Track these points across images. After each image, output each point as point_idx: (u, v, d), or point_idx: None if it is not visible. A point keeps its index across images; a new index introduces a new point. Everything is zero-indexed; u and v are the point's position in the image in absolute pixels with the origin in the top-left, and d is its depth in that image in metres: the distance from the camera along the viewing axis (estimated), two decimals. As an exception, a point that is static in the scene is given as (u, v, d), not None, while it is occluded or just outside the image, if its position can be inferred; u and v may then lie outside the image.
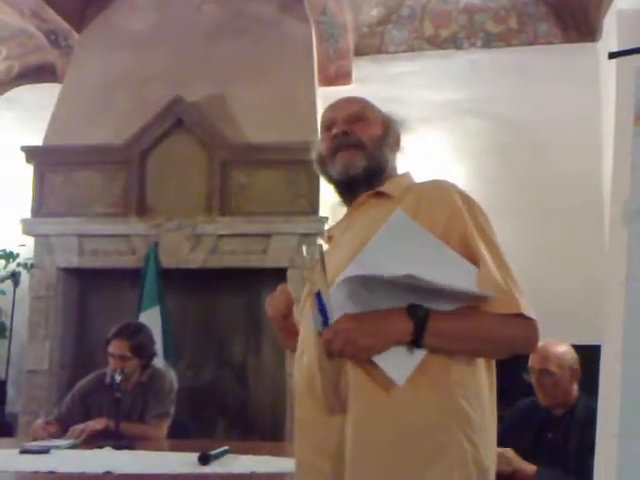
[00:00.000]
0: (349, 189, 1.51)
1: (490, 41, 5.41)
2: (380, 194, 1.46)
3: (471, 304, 1.27)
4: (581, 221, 4.66)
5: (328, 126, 1.55)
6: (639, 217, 1.59)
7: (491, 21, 5.42)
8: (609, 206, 1.68)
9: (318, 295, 1.24)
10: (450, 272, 1.24)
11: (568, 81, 5.00)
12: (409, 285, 1.21)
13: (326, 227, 4.65)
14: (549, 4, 5.30)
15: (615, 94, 1.75)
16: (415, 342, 1.23)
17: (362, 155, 1.47)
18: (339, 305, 1.24)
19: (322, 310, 1.24)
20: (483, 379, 1.33)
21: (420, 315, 1.23)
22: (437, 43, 5.45)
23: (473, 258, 1.30)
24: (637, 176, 1.63)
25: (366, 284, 1.23)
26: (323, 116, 1.59)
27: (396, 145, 1.55)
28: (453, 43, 5.42)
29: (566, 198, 4.74)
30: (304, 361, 1.39)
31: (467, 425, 1.26)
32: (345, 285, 1.24)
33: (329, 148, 1.52)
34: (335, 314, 1.23)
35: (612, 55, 1.79)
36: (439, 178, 1.45)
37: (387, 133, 1.53)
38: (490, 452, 1.31)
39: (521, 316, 1.28)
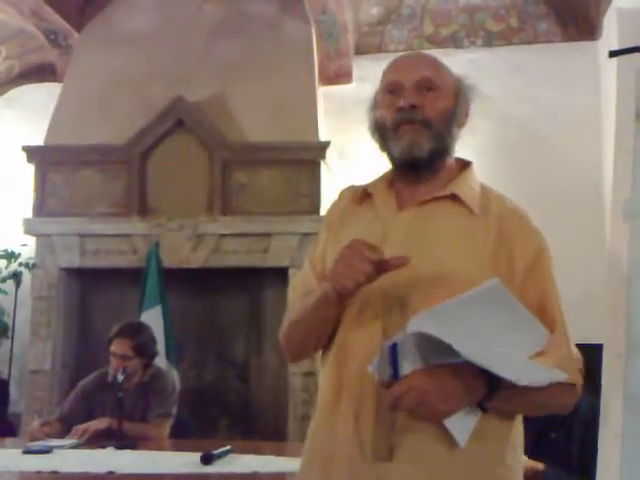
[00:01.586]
0: (409, 169, 1.33)
1: (490, 40, 5.41)
2: (455, 197, 1.30)
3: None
4: (582, 219, 4.66)
5: (392, 90, 1.32)
6: (640, 215, 1.60)
7: (491, 20, 5.42)
8: (610, 204, 1.68)
9: (394, 346, 1.14)
10: (518, 339, 1.18)
11: (568, 80, 5.00)
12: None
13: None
14: (549, 3, 5.29)
15: (615, 92, 1.75)
16: (482, 404, 1.16)
17: (429, 135, 1.29)
18: (411, 352, 1.14)
19: (394, 361, 1.13)
20: (520, 429, 1.31)
21: (496, 377, 1.13)
22: (437, 42, 5.45)
23: (549, 319, 1.23)
24: (638, 174, 1.63)
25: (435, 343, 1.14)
26: (386, 75, 1.36)
27: (465, 117, 1.36)
28: (453, 42, 5.42)
29: (567, 196, 4.74)
30: (351, 376, 1.25)
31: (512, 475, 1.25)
32: (419, 334, 1.13)
33: (393, 120, 1.30)
34: (403, 361, 1.14)
35: (612, 54, 1.79)
36: (511, 200, 1.34)
37: (457, 106, 1.34)
38: None
39: (575, 385, 1.24)
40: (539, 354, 1.20)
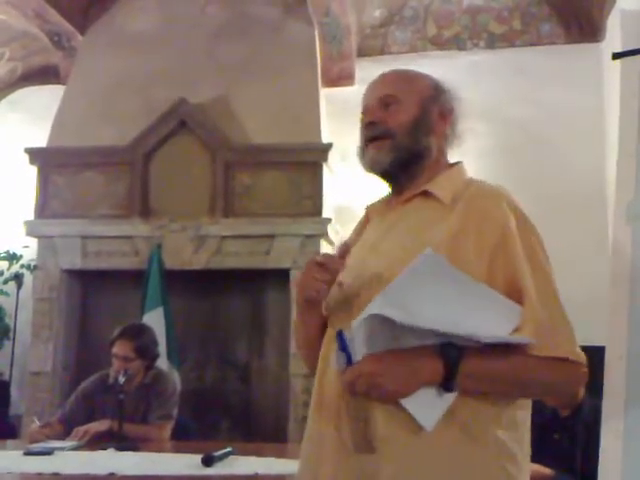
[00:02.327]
0: (387, 180, 1.42)
1: (493, 41, 5.41)
2: (427, 193, 1.35)
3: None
4: (585, 221, 4.65)
5: (363, 113, 1.43)
6: (643, 218, 1.59)
7: (494, 21, 5.42)
8: (613, 206, 1.67)
9: (340, 334, 1.17)
10: (487, 315, 1.15)
11: (571, 82, 5.00)
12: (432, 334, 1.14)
13: (330, 228, 4.65)
14: (552, 4, 5.29)
15: (619, 95, 1.75)
16: (445, 385, 1.14)
17: (389, 147, 1.35)
18: (363, 338, 1.16)
19: (344, 348, 1.17)
20: (527, 419, 1.27)
21: (452, 355, 1.13)
22: (440, 44, 5.45)
23: (519, 294, 1.20)
24: (641, 177, 1.62)
25: (387, 325, 1.14)
26: (362, 101, 1.45)
27: (443, 122, 1.39)
28: (456, 44, 5.42)
29: (570, 199, 4.73)
30: (328, 380, 1.29)
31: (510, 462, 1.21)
32: (369, 319, 1.15)
33: (361, 140, 1.41)
34: (358, 348, 1.16)
35: (616, 56, 1.79)
36: (490, 185, 1.34)
37: (424, 113, 1.38)
38: None
39: (567, 359, 1.18)
40: (516, 330, 1.17)
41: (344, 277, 1.31)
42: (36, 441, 2.86)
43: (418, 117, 1.37)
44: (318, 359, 1.37)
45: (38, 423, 3.08)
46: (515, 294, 1.19)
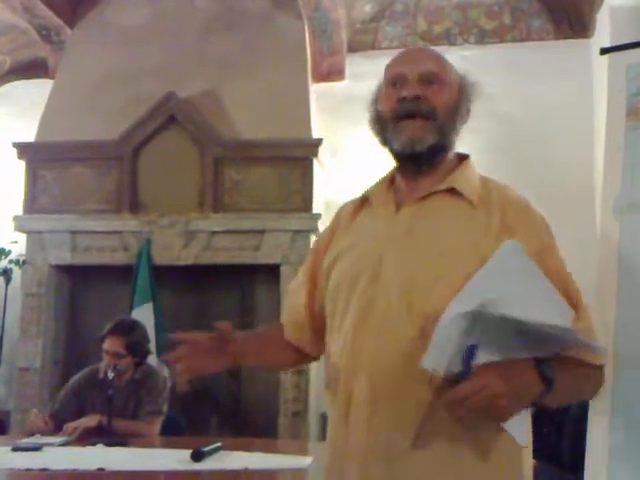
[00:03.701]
0: (409, 162, 1.30)
1: (483, 37, 5.42)
2: (453, 191, 1.27)
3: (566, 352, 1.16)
4: (572, 216, 4.66)
5: (395, 82, 1.29)
6: (630, 212, 1.60)
7: (484, 17, 5.43)
8: (600, 201, 1.68)
9: (471, 348, 1.10)
10: (553, 313, 1.13)
11: (561, 77, 5.01)
12: (510, 329, 1.11)
13: (320, 224, 4.64)
14: (542, 0, 5.30)
15: (607, 90, 1.75)
16: (535, 404, 1.13)
17: (432, 127, 1.25)
18: (447, 339, 1.10)
19: (467, 361, 1.10)
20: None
21: (549, 376, 1.11)
22: (430, 39, 5.45)
23: (570, 301, 1.19)
24: (628, 171, 1.63)
25: (474, 325, 1.10)
26: (389, 69, 1.33)
27: (467, 114, 1.32)
28: (446, 39, 5.43)
29: (558, 193, 4.74)
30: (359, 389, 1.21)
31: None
32: (457, 320, 1.10)
33: (394, 111, 1.27)
34: (452, 354, 1.10)
35: (604, 51, 1.79)
36: (516, 192, 1.31)
37: (461, 101, 1.30)
38: None
39: (603, 366, 1.23)
40: None
41: (349, 267, 1.27)
42: (38, 429, 2.85)
43: (458, 102, 1.30)
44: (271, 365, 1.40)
45: (37, 411, 3.07)
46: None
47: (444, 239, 1.21)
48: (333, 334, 1.30)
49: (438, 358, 1.10)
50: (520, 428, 1.12)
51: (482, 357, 1.10)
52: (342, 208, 1.45)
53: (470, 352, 1.10)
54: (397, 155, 1.31)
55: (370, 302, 1.22)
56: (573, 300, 1.20)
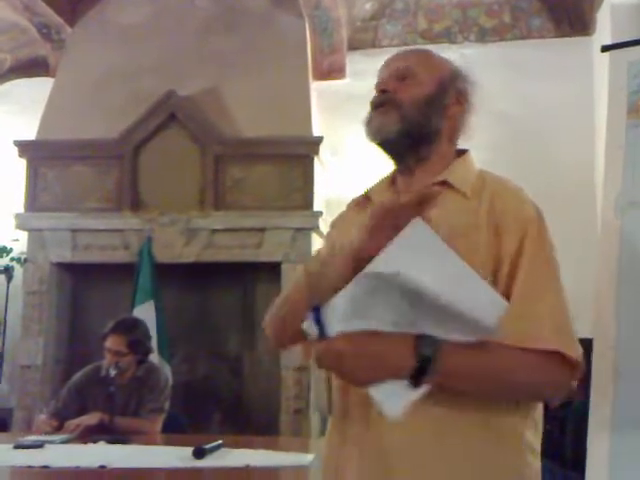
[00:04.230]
0: (391, 154, 1.34)
1: (483, 35, 5.42)
2: (446, 183, 1.28)
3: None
4: (574, 214, 4.67)
5: (376, 85, 1.36)
6: (631, 210, 1.60)
7: (484, 15, 5.43)
8: (601, 199, 1.68)
9: (316, 308, 1.12)
10: (469, 300, 1.07)
11: (562, 75, 5.01)
12: (421, 304, 1.07)
13: (321, 221, 4.65)
14: (542, -2, 5.31)
15: (607, 87, 1.75)
16: (414, 382, 1.07)
17: (396, 116, 1.28)
18: (342, 312, 1.10)
19: (318, 320, 1.12)
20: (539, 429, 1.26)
21: (426, 354, 1.06)
22: (430, 37, 5.45)
23: (509, 286, 1.15)
24: (629, 169, 1.63)
25: (375, 292, 1.08)
26: (377, 76, 1.39)
27: (456, 106, 1.32)
28: (447, 37, 5.43)
29: (559, 191, 4.75)
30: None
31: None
32: (355, 286, 1.09)
33: (370, 109, 1.33)
34: (334, 323, 1.10)
35: (604, 48, 1.79)
36: (509, 181, 1.29)
37: (439, 93, 1.31)
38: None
39: (558, 356, 1.11)
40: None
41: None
42: (44, 432, 2.86)
43: (433, 95, 1.31)
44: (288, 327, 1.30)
45: (46, 413, 3.08)
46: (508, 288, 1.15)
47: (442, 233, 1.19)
48: None
49: (311, 327, 1.12)
50: (390, 400, 1.08)
51: (342, 323, 1.10)
52: (345, 208, 1.46)
53: (316, 313, 1.11)
54: (379, 148, 1.33)
55: None
56: (528, 287, 1.15)
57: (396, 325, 1.09)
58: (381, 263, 1.08)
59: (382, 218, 1.14)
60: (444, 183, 1.28)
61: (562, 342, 1.12)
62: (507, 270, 1.17)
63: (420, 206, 1.13)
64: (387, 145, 1.32)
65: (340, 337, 1.10)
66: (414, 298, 1.06)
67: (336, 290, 1.12)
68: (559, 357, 1.11)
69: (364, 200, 1.39)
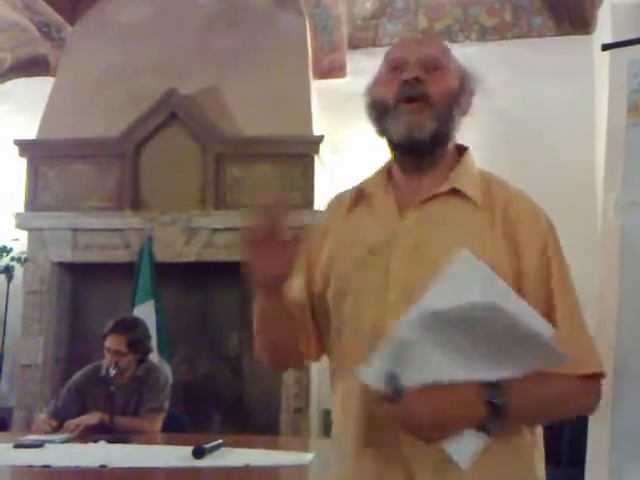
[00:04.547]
0: (412, 155, 1.23)
1: (484, 34, 5.41)
2: (456, 191, 1.21)
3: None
4: (573, 213, 4.66)
5: (395, 67, 1.23)
6: (631, 209, 1.60)
7: (485, 14, 5.42)
8: (602, 199, 1.68)
9: (392, 374, 1.05)
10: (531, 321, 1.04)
11: (562, 74, 5.00)
12: (478, 340, 1.03)
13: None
14: (543, -3, 5.30)
15: (608, 86, 1.75)
16: (484, 430, 1.05)
17: (430, 114, 1.18)
18: (402, 346, 1.05)
19: (392, 385, 1.05)
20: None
21: (498, 402, 1.04)
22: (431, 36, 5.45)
23: (550, 311, 1.13)
24: (629, 168, 1.63)
25: (430, 329, 1.04)
26: (389, 54, 1.27)
27: (467, 106, 1.26)
28: (447, 36, 5.41)
29: (559, 191, 4.74)
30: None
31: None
32: (410, 325, 1.04)
33: (395, 96, 1.20)
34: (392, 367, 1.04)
35: (605, 47, 1.79)
36: (521, 191, 1.25)
37: (461, 90, 1.24)
38: None
39: (599, 375, 1.13)
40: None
41: (353, 272, 1.21)
42: (43, 431, 2.86)
43: (459, 91, 1.23)
44: (278, 345, 1.26)
45: (46, 413, 3.08)
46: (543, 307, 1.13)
47: (450, 251, 1.13)
48: (341, 342, 1.24)
49: (378, 372, 1.05)
50: (460, 449, 1.06)
51: (415, 378, 1.06)
52: (335, 201, 1.38)
53: (392, 378, 1.05)
54: (396, 146, 1.24)
55: (381, 322, 1.15)
56: (567, 309, 1.15)
57: (459, 366, 1.06)
58: (439, 299, 1.03)
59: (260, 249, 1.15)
60: (453, 191, 1.21)
61: (599, 361, 1.14)
62: (532, 287, 1.14)
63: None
64: (414, 146, 1.21)
65: (413, 399, 1.05)
66: (490, 331, 1.03)
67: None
68: (599, 376, 1.14)
69: (358, 195, 1.31)
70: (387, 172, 1.30)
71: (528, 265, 1.15)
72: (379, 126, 1.24)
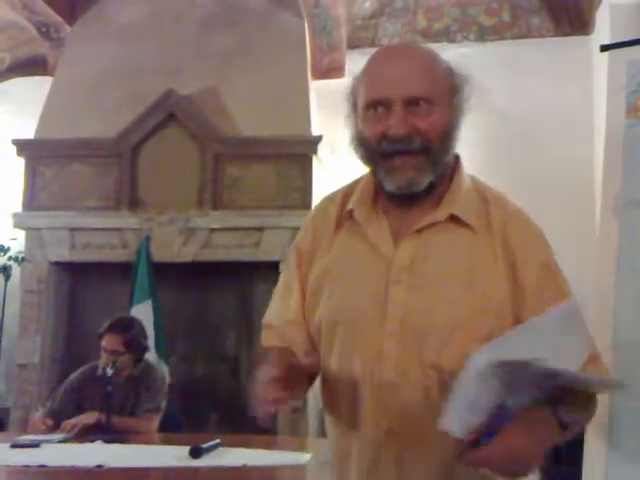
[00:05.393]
0: (404, 199, 1.20)
1: (483, 34, 5.41)
2: (453, 217, 1.18)
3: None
4: (573, 212, 4.67)
5: (377, 104, 1.15)
6: (630, 209, 1.60)
7: (484, 14, 5.42)
8: (600, 198, 1.68)
9: (502, 409, 1.03)
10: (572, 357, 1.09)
11: (561, 74, 5.01)
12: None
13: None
14: (542, -3, 5.30)
15: (607, 87, 1.75)
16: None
17: (427, 163, 1.14)
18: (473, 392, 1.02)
19: (496, 423, 1.02)
20: None
21: (568, 422, 1.10)
22: (430, 36, 5.44)
23: None
24: (628, 169, 1.63)
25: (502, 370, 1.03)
26: (369, 87, 1.17)
27: (464, 114, 1.20)
28: (446, 36, 5.42)
29: (558, 190, 4.75)
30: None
31: None
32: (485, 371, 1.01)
33: (380, 148, 1.15)
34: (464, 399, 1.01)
35: (603, 48, 1.79)
36: (511, 201, 1.22)
37: (457, 113, 1.18)
38: None
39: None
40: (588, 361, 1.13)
41: (344, 303, 1.19)
42: (39, 430, 2.85)
43: (452, 120, 1.17)
44: None
45: (42, 412, 3.07)
46: None
47: (451, 284, 1.14)
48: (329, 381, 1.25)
49: (457, 419, 1.02)
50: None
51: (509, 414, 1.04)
52: (319, 216, 1.35)
53: (500, 413, 1.02)
54: (390, 194, 1.19)
55: (379, 353, 1.15)
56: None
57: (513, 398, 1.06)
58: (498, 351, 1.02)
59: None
60: (449, 217, 1.18)
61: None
62: (532, 308, 1.13)
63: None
64: (412, 196, 1.18)
65: (519, 434, 1.01)
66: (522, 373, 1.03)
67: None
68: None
69: (343, 213, 1.27)
70: (372, 191, 1.25)
71: (528, 289, 1.15)
72: (368, 166, 1.22)
